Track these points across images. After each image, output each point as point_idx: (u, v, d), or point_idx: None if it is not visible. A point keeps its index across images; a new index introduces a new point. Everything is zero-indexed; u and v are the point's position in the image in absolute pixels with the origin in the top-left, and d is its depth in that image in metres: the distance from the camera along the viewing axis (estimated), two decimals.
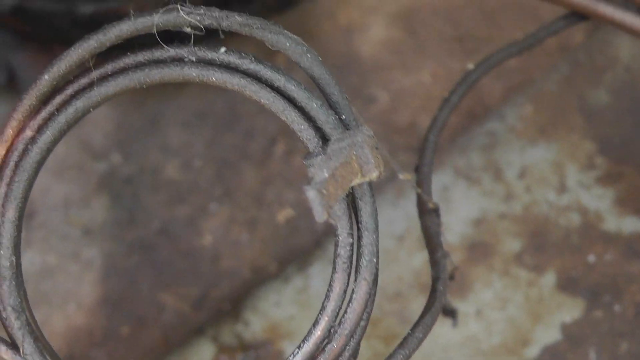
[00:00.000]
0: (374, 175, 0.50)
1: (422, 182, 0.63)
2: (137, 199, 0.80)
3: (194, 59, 0.54)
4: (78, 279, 0.78)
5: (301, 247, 0.79)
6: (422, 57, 0.89)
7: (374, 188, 0.52)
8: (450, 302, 0.63)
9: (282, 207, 0.78)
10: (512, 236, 0.70)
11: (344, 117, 0.53)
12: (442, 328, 0.67)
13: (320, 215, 0.45)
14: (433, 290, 0.60)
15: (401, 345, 0.57)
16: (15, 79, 0.96)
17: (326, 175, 0.49)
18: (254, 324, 0.73)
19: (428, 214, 0.62)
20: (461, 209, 0.71)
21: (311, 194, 0.46)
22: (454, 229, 0.69)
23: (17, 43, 1.01)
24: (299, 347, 0.52)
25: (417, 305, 0.73)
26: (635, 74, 0.76)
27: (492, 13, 0.88)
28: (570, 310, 0.68)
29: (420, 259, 0.72)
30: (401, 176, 0.57)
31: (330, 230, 0.75)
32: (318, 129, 0.51)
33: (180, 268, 0.78)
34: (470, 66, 0.62)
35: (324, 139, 0.51)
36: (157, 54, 0.55)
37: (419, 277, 0.74)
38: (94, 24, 0.82)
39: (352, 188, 0.51)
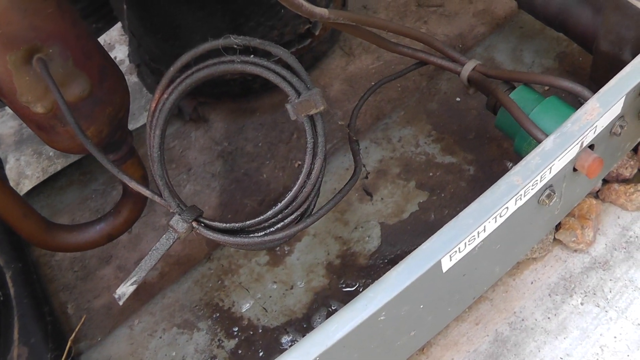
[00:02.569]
0: (321, 108, 0.86)
1: (350, 128, 1.14)
2: (234, 161, 1.51)
3: (239, 60, 0.89)
4: (209, 195, 1.49)
5: None
6: (356, 97, 1.54)
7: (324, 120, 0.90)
8: (368, 187, 1.28)
9: (296, 161, 1.48)
10: (395, 167, 1.36)
11: (308, 85, 0.88)
12: (366, 205, 1.34)
13: (292, 116, 0.86)
14: (354, 172, 1.03)
15: (331, 199, 0.96)
16: (181, 112, 1.58)
17: (297, 102, 0.85)
18: None
19: (354, 142, 1.10)
20: (372, 157, 1.39)
21: (288, 106, 0.87)
22: (370, 164, 1.38)
23: None
24: (290, 190, 0.88)
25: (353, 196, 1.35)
26: (450, 95, 1.43)
27: None
28: (422, 196, 1.33)
29: None
30: (340, 122, 1.22)
31: None
32: (296, 90, 0.87)
33: (253, 189, 1.47)
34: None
35: (299, 93, 0.87)
36: (223, 58, 0.91)
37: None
38: (213, 84, 1.43)
39: (312, 116, 0.87)
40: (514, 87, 1.11)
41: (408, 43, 1.19)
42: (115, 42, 1.94)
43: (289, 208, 0.89)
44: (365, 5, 1.79)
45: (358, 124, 1.49)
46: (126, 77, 1.80)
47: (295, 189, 0.88)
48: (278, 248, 1.32)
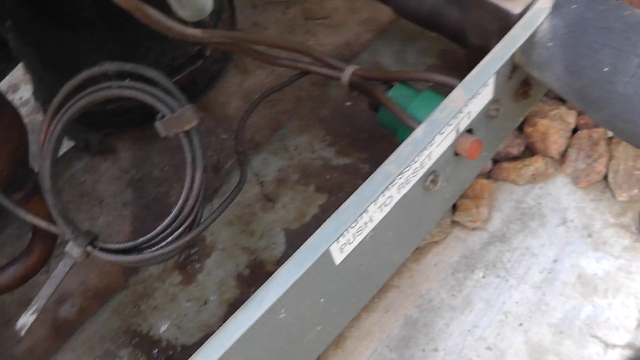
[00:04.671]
0: (194, 123, 0.88)
1: (237, 140, 1.19)
2: (143, 187, 1.50)
3: (115, 85, 0.90)
4: (121, 224, 1.47)
5: None
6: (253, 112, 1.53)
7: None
8: (269, 195, 1.31)
9: None
10: (294, 174, 1.38)
11: (182, 102, 0.90)
12: (269, 214, 1.35)
13: (161, 133, 0.87)
14: (239, 182, 1.10)
15: (217, 208, 0.99)
16: (88, 146, 1.56)
17: (167, 119, 0.87)
18: None
19: (240, 154, 1.17)
20: (271, 167, 1.40)
21: (156, 124, 0.87)
22: (270, 174, 1.39)
23: (87, 128, 1.57)
24: (175, 205, 0.90)
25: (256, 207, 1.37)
26: (340, 101, 1.46)
27: None
28: (322, 198, 1.34)
29: None
30: (223, 136, 1.24)
31: None
32: (170, 108, 0.89)
33: (163, 213, 1.48)
34: None
35: (173, 111, 0.89)
36: (101, 85, 0.92)
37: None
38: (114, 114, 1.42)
39: (189, 131, 0.89)
40: (392, 86, 1.14)
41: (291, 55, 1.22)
42: (21, 82, 1.94)
43: (177, 221, 0.90)
44: (256, 22, 1.82)
45: (258, 137, 1.51)
46: (33, 116, 1.78)
47: (180, 202, 0.90)
48: (189, 266, 1.31)
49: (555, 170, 1.32)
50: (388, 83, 1.14)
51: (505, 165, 1.33)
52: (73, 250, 0.88)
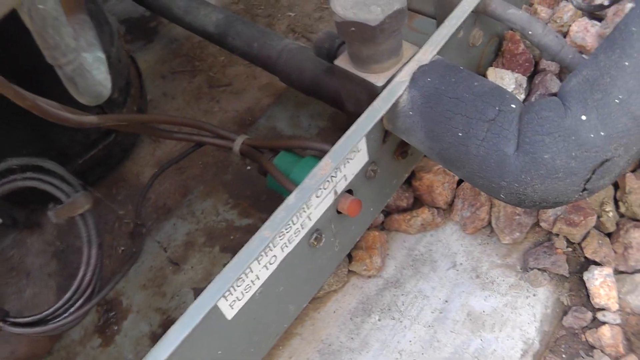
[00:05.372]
0: (87, 207, 1.04)
1: (136, 214, 1.35)
2: (67, 258, 1.56)
3: (20, 177, 1.08)
4: (47, 294, 1.53)
5: None
6: (165, 179, 1.66)
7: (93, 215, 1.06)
8: (173, 259, 1.40)
9: (120, 247, 1.57)
10: (201, 237, 1.48)
11: (76, 188, 1.06)
12: (179, 275, 1.43)
13: (53, 220, 1.05)
14: (132, 254, 1.26)
15: (112, 281, 1.18)
16: (15, 222, 1.59)
17: (59, 208, 1.03)
18: None
19: (138, 226, 1.31)
20: (180, 231, 1.50)
21: (49, 213, 1.06)
22: (179, 238, 1.48)
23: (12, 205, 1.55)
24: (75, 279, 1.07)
25: (167, 270, 1.47)
26: (241, 165, 1.57)
27: None
28: (227, 258, 1.46)
29: None
30: (120, 212, 1.36)
31: None
32: (66, 194, 1.04)
33: None
34: None
35: (68, 196, 1.05)
36: (7, 179, 1.09)
37: None
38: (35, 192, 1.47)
39: (82, 215, 1.05)
40: (278, 153, 1.25)
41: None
42: None
43: (76, 294, 0.98)
44: (165, 92, 1.92)
45: (169, 203, 1.60)
46: None
47: (78, 278, 1.00)
48: (107, 329, 1.38)
49: (443, 219, 1.43)
50: (274, 150, 1.25)
51: (396, 216, 1.43)
52: None
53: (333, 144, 1.08)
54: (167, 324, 1.37)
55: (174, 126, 1.43)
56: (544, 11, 1.44)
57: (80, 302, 0.99)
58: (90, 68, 1.03)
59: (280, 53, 1.45)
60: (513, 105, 0.98)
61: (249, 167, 1.57)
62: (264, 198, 1.51)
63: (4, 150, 1.43)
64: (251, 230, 1.45)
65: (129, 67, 1.75)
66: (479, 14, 1.22)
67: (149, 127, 1.23)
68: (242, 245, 1.42)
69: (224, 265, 1.40)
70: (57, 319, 1.00)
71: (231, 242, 1.46)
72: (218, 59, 1.98)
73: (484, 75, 1.33)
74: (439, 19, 1.34)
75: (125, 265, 1.09)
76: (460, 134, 1.01)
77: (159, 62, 2.01)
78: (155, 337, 1.36)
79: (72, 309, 1.00)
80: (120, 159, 1.74)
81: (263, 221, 1.46)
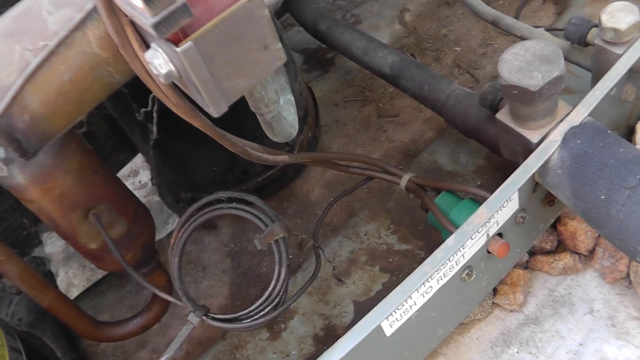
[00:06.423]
0: (281, 235, 1.22)
1: (314, 237, 1.52)
2: (240, 258, 1.82)
3: (226, 207, 1.26)
4: (221, 287, 1.79)
5: None
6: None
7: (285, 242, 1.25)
8: (339, 275, 1.60)
9: None
10: (363, 256, 1.67)
11: (273, 218, 1.23)
12: (342, 288, 1.63)
13: (258, 246, 1.21)
14: (314, 272, 1.50)
15: (295, 294, 1.42)
16: None
17: (261, 236, 1.19)
18: None
19: (316, 248, 1.55)
20: (345, 249, 1.69)
21: (255, 240, 1.21)
22: (343, 255, 1.68)
23: None
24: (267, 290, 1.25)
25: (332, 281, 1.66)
26: (403, 195, 1.74)
27: None
28: (385, 277, 1.64)
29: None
30: (295, 232, 1.57)
31: None
32: (264, 223, 1.22)
33: (256, 280, 1.79)
34: None
35: (266, 225, 1.23)
36: (216, 206, 1.27)
37: None
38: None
39: (276, 241, 1.22)
40: (440, 192, 1.41)
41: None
42: (140, 168, 2.29)
43: (267, 302, 1.22)
44: (337, 119, 2.12)
45: (335, 221, 1.81)
46: (150, 197, 2.13)
47: (270, 289, 1.23)
48: (275, 325, 1.61)
49: (584, 265, 1.49)
50: (437, 190, 1.41)
51: (540, 258, 1.52)
52: (193, 319, 1.22)
53: (489, 190, 1.20)
54: (328, 328, 1.57)
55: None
56: None
57: (268, 308, 1.22)
58: (282, 112, 1.19)
59: (448, 97, 1.58)
60: None
61: (410, 196, 1.72)
62: (421, 227, 1.67)
63: (201, 166, 1.73)
64: (408, 256, 1.63)
65: (307, 97, 1.95)
66: (632, 72, 1.28)
67: (329, 162, 1.42)
68: (400, 268, 1.61)
69: (383, 284, 1.60)
70: (249, 319, 1.23)
71: (390, 264, 1.63)
72: (387, 90, 2.16)
73: (634, 129, 1.38)
74: (594, 73, 1.41)
75: (306, 283, 1.30)
76: (602, 197, 1.09)
77: (333, 91, 2.21)
78: (317, 338, 1.56)
79: (262, 313, 1.22)
80: (292, 178, 1.95)
81: (420, 248, 1.65)
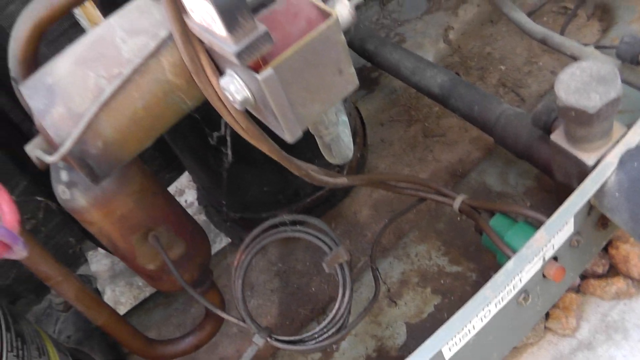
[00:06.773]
0: (345, 259, 1.23)
1: (372, 259, 1.57)
2: (288, 278, 1.84)
3: (290, 229, 1.30)
4: (270, 307, 1.80)
5: None
6: (380, 220, 1.88)
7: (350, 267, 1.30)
8: (393, 296, 1.61)
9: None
10: (414, 277, 1.69)
11: (336, 241, 1.25)
12: (394, 309, 1.64)
13: (326, 270, 1.24)
14: (374, 295, 1.44)
15: (357, 317, 1.47)
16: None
17: (328, 259, 1.22)
18: None
19: (374, 270, 1.56)
20: (396, 270, 1.71)
21: (323, 264, 1.23)
22: (394, 276, 1.69)
23: (242, 229, 2.02)
24: (330, 313, 1.28)
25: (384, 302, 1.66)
26: (453, 216, 1.74)
27: None
28: (437, 299, 1.64)
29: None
30: (360, 255, 1.58)
31: None
32: (328, 246, 1.25)
33: (305, 300, 1.80)
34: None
35: (330, 249, 1.26)
36: (280, 229, 1.31)
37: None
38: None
39: (340, 264, 1.25)
40: (493, 214, 1.41)
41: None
42: (185, 188, 2.32)
43: (330, 324, 1.24)
44: (383, 139, 2.13)
45: (384, 242, 1.81)
46: (196, 217, 2.16)
47: (333, 312, 1.24)
48: (328, 346, 1.62)
49: (637, 290, 1.48)
50: (490, 212, 1.41)
51: (592, 281, 1.51)
52: (258, 340, 1.23)
53: (543, 212, 1.21)
54: (381, 350, 1.58)
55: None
56: None
57: (332, 331, 1.23)
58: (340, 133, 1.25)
59: (499, 118, 1.57)
60: None
61: (461, 219, 1.73)
62: (472, 249, 1.67)
63: (252, 187, 1.74)
64: (460, 278, 1.62)
65: (355, 117, 1.96)
66: None
67: (385, 183, 1.43)
68: (452, 290, 1.62)
69: (435, 306, 1.59)
70: (313, 341, 1.24)
71: (442, 286, 1.63)
72: (433, 110, 2.16)
73: None
74: None
75: (368, 306, 1.31)
76: None
77: (378, 111, 2.22)
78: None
79: (325, 335, 1.23)
80: (341, 198, 1.95)
81: (471, 270, 1.65)
